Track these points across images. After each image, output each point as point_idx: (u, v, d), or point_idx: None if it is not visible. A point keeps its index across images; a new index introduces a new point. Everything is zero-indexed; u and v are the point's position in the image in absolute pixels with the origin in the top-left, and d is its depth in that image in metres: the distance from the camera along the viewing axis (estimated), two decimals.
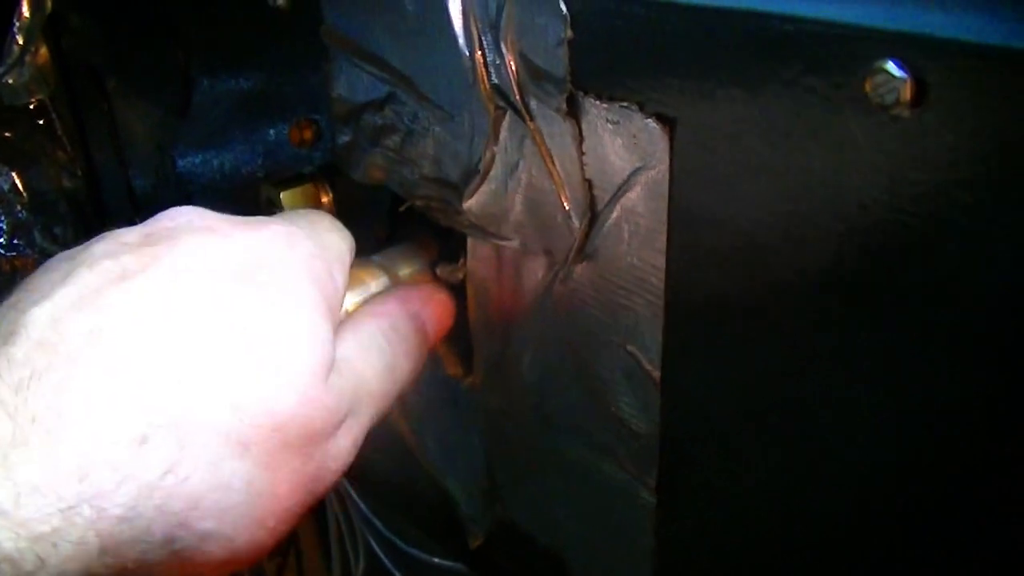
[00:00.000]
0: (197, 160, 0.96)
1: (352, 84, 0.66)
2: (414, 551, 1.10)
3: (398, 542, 1.13)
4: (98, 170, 1.30)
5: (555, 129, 0.53)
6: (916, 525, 0.44)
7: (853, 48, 0.39)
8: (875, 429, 0.44)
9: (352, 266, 0.62)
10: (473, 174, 0.58)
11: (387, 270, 0.64)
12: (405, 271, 0.65)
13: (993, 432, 0.39)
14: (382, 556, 1.18)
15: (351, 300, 0.61)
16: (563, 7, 0.49)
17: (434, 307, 0.62)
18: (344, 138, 0.68)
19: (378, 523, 1.16)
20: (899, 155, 0.38)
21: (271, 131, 0.81)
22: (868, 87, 0.38)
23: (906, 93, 0.37)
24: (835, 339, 0.44)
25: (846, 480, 0.46)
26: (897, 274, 0.40)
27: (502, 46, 0.53)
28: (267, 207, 0.74)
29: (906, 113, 0.37)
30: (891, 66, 0.37)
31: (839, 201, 0.41)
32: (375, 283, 0.63)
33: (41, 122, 1.49)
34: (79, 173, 1.47)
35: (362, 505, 1.17)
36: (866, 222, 0.40)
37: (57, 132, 1.48)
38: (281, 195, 0.73)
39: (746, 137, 0.44)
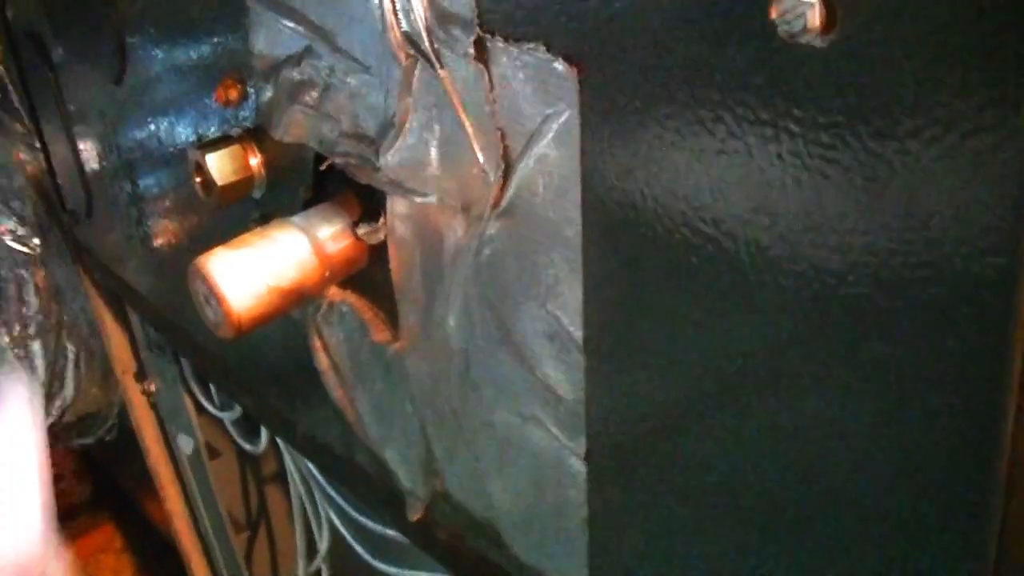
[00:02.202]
0: (136, 127, 0.93)
1: (271, 39, 0.63)
2: (376, 526, 1.08)
3: (360, 517, 1.11)
4: (48, 142, 1.27)
5: (465, 76, 0.50)
6: (850, 487, 0.41)
7: None
8: (802, 381, 0.41)
9: (270, 227, 0.60)
10: (389, 127, 0.55)
11: (305, 231, 0.61)
12: (324, 232, 0.62)
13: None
14: (344, 532, 1.16)
15: (269, 264, 0.58)
16: None
17: None
18: (265, 95, 0.65)
19: (340, 499, 1.14)
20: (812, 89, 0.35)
21: (203, 96, 0.78)
22: (773, 14, 0.35)
23: (814, 19, 0.34)
24: (756, 286, 0.41)
25: (778, 436, 0.43)
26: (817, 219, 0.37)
27: None
28: (196, 171, 0.72)
29: (818, 43, 0.34)
30: None
31: (758, 141, 0.38)
32: (293, 244, 0.60)
33: None
34: (37, 146, 1.44)
35: (323, 481, 1.15)
36: (785, 168, 0.37)
37: (13, 104, 1.46)
38: (206, 158, 0.70)
39: (654, 78, 0.41)
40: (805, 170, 0.37)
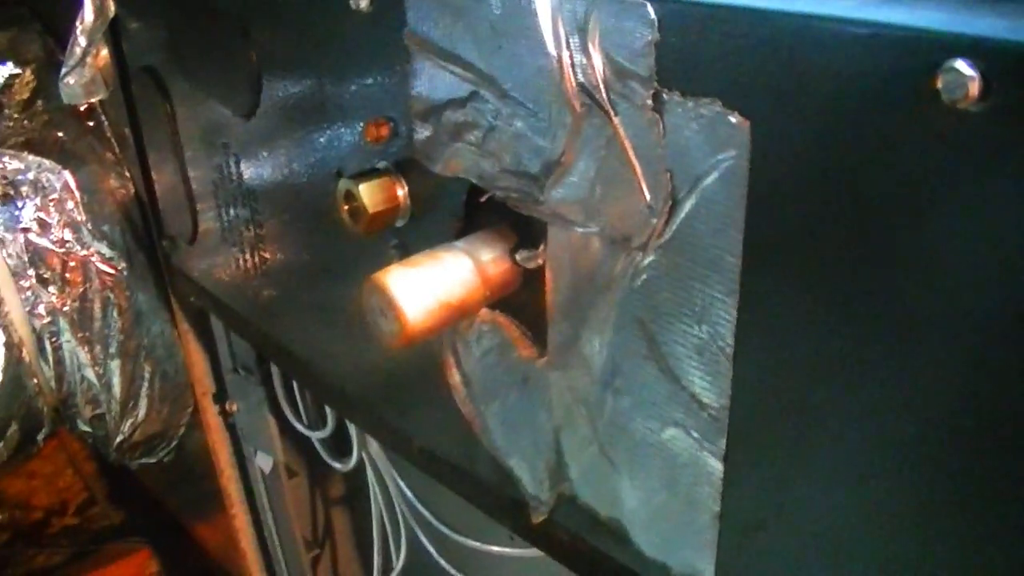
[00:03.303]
0: (264, 158, 1.01)
1: (433, 83, 0.71)
2: (462, 539, 1.14)
3: (446, 530, 1.17)
4: (153, 170, 1.34)
5: (638, 123, 0.57)
6: (996, 491, 0.48)
7: (925, 49, 0.43)
8: (949, 402, 0.48)
9: (438, 250, 0.67)
10: (554, 166, 0.63)
11: (470, 254, 0.69)
12: (486, 255, 0.70)
13: None
14: (428, 544, 1.22)
15: (440, 282, 0.66)
16: (651, 12, 0.54)
17: None
18: (424, 134, 0.73)
19: (425, 511, 1.20)
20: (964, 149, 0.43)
21: (340, 128, 0.85)
22: (938, 84, 0.43)
23: (973, 90, 0.42)
24: (908, 314, 0.48)
25: (918, 452, 0.50)
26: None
27: (589, 47, 0.57)
28: (345, 200, 0.79)
29: (974, 108, 0.42)
30: (961, 64, 0.42)
31: (905, 191, 0.46)
32: (459, 265, 0.68)
33: (91, 124, 1.53)
34: (127, 174, 1.52)
35: (409, 493, 1.21)
36: (940, 212, 0.45)
37: (106, 133, 1.53)
38: (360, 187, 0.78)
39: (821, 133, 0.48)
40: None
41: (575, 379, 0.69)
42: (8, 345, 1.53)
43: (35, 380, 1.59)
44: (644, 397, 0.64)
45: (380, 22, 0.75)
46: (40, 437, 1.71)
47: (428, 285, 0.66)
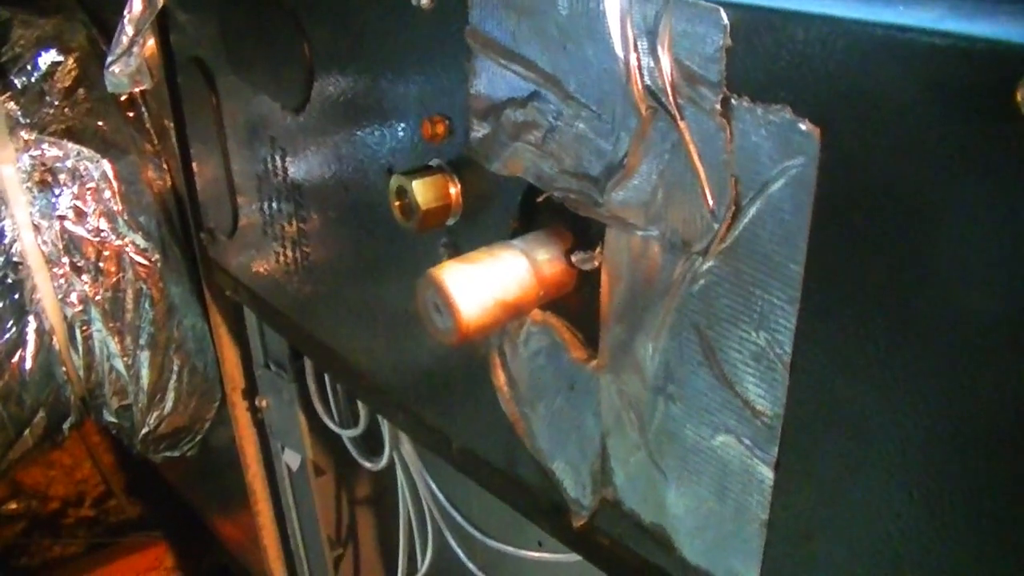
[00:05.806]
0: (311, 153, 1.01)
1: (494, 82, 0.71)
2: (491, 542, 1.14)
3: (476, 533, 1.17)
4: (195, 162, 1.34)
5: (705, 128, 0.57)
6: None
7: (1005, 60, 0.43)
8: (1015, 417, 0.48)
9: (495, 248, 0.67)
10: (616, 169, 0.63)
11: (526, 254, 0.69)
12: (542, 255, 0.70)
13: None
14: (456, 547, 1.22)
15: (496, 279, 0.66)
16: (724, 17, 0.54)
17: None
18: (481, 132, 0.73)
19: (455, 513, 1.20)
20: None
21: (393, 125, 0.86)
22: (1019, 97, 0.42)
23: None
24: (971, 326, 0.48)
25: (979, 465, 0.50)
26: None
27: (658, 51, 0.57)
28: (398, 196, 0.79)
29: None
30: None
31: (979, 203, 0.46)
32: (515, 264, 0.68)
33: (131, 114, 1.54)
34: (164, 165, 1.52)
35: (440, 495, 1.21)
36: (1014, 226, 0.45)
37: (146, 124, 1.53)
38: (413, 184, 0.78)
39: (897, 143, 0.48)
40: None
41: (626, 383, 0.69)
42: (39, 332, 1.54)
43: (64, 368, 1.60)
44: (697, 403, 0.64)
45: (441, 20, 0.75)
46: (66, 426, 1.72)
47: (485, 282, 0.67)
